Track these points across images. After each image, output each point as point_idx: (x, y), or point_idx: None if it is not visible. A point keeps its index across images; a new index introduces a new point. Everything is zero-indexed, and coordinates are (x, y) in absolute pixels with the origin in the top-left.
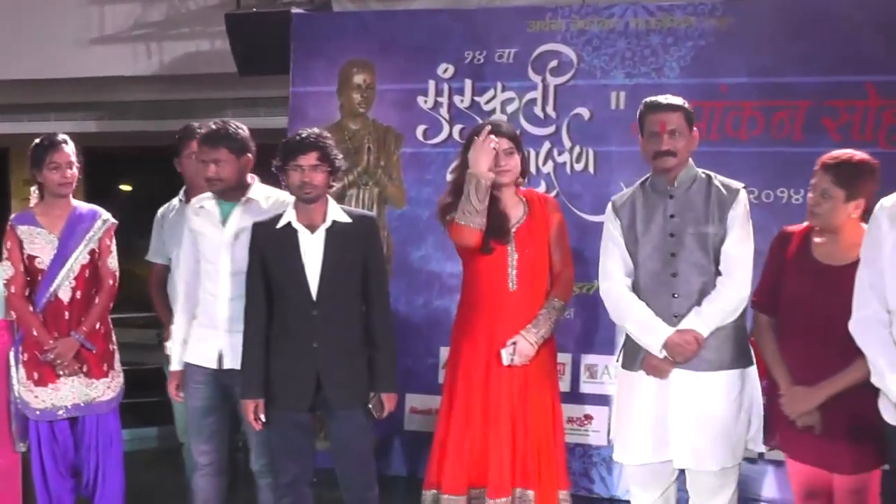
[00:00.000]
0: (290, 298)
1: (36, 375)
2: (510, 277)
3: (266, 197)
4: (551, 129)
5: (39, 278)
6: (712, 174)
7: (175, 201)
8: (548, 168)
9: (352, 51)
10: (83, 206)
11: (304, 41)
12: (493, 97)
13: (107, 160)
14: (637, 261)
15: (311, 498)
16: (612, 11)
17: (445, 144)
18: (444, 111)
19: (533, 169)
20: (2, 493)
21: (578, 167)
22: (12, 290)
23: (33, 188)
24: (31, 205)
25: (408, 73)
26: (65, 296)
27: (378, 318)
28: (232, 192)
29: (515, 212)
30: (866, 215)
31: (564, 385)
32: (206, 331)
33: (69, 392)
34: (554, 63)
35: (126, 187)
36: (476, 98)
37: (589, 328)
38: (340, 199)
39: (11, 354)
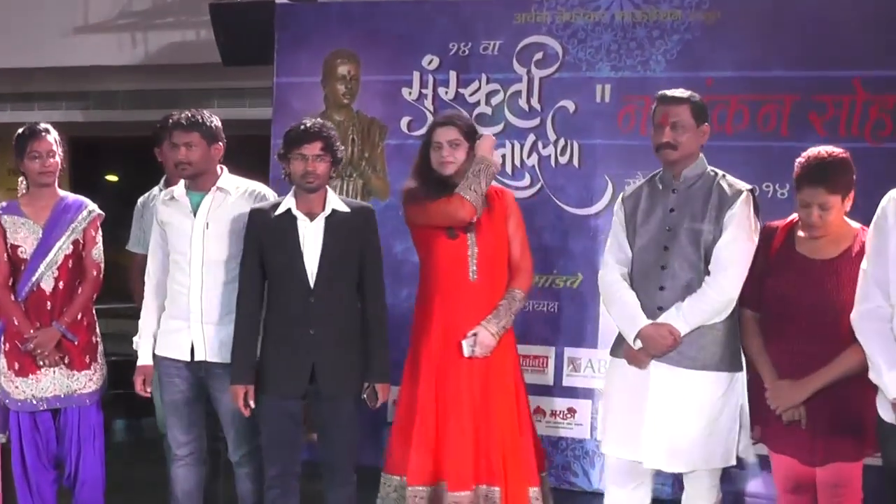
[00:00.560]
0: (288, 285)
1: (17, 366)
2: (470, 268)
3: (236, 187)
4: (536, 121)
5: (22, 268)
6: (721, 173)
7: (155, 190)
8: (532, 161)
9: (336, 41)
10: (70, 197)
11: (288, 31)
12: (478, 89)
13: (92, 150)
14: (634, 251)
15: (298, 490)
16: (598, 4)
17: None
18: (428, 103)
19: (517, 162)
20: None
21: (563, 160)
22: None
23: (21, 178)
24: (19, 195)
25: (392, 65)
26: (47, 286)
27: (373, 308)
28: (202, 182)
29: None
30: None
31: (547, 378)
32: (176, 322)
33: (50, 383)
34: (539, 55)
35: (112, 177)
36: (461, 90)
37: (573, 321)
38: None
39: None
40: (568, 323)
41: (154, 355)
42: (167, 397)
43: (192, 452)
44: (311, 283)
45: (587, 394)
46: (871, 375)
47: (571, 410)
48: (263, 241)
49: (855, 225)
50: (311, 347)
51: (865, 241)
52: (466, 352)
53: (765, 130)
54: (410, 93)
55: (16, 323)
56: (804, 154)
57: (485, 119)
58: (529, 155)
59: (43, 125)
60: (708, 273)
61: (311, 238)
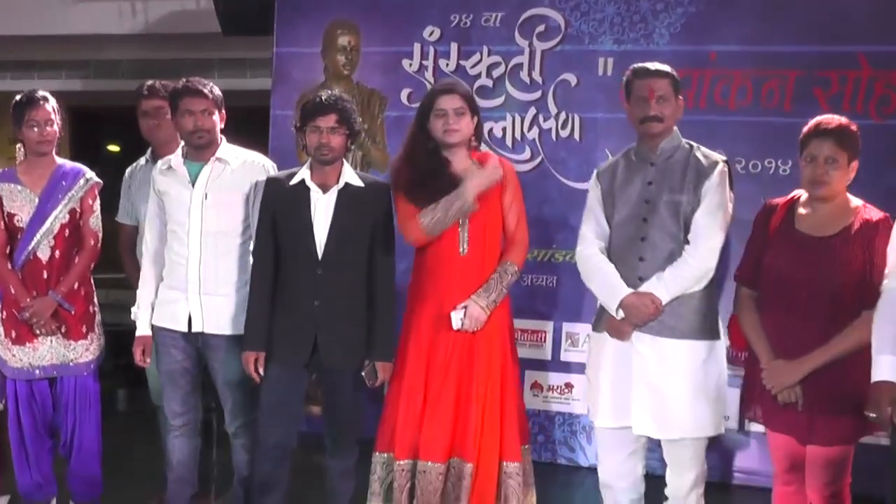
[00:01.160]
0: (296, 256)
1: (14, 334)
2: (461, 241)
3: (235, 157)
4: (537, 94)
5: (18, 237)
6: (695, 145)
7: (142, 160)
8: (533, 134)
9: (336, 12)
10: (67, 165)
11: (288, 1)
12: (479, 61)
13: (94, 120)
14: (612, 224)
15: (289, 463)
16: None
17: None
18: (428, 75)
19: (518, 135)
20: None
21: (564, 134)
22: None
23: (18, 146)
24: (17, 163)
25: (393, 36)
26: (43, 255)
27: (381, 285)
28: (202, 152)
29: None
30: None
31: (545, 353)
32: (174, 293)
33: (47, 352)
34: (541, 28)
35: (114, 147)
36: (462, 62)
37: (571, 296)
38: None
39: None
40: (566, 298)
41: (152, 325)
42: (164, 368)
43: (187, 423)
44: (320, 255)
45: (585, 369)
46: (873, 350)
47: (569, 385)
48: (276, 210)
49: (857, 202)
50: (315, 319)
51: (870, 219)
52: (455, 324)
53: (768, 105)
54: (411, 64)
55: (12, 291)
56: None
57: (486, 92)
58: (530, 128)
59: (41, 93)
60: (688, 242)
61: (322, 210)
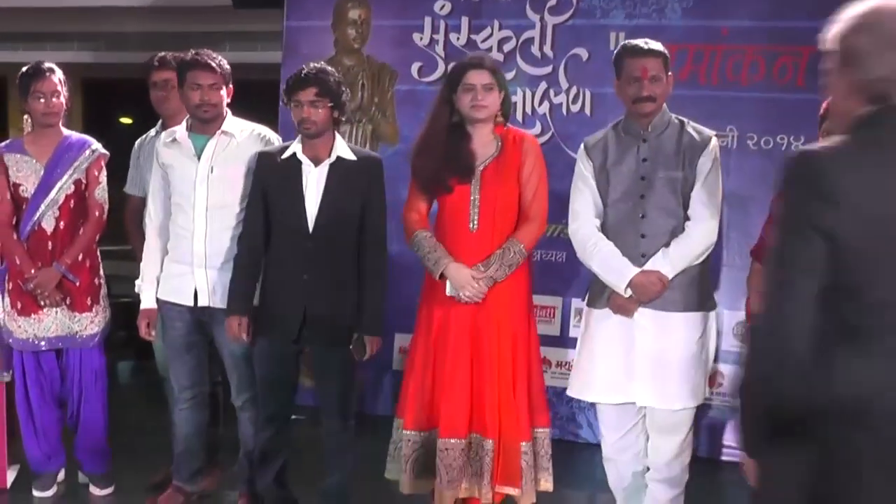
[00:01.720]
0: (287, 229)
1: (20, 305)
2: (471, 217)
3: (241, 130)
4: (548, 69)
5: (24, 207)
6: (685, 120)
7: (152, 132)
8: (543, 109)
9: None
10: (74, 136)
11: None
12: (490, 35)
13: (106, 92)
14: (607, 201)
15: (290, 433)
16: None
17: (440, 82)
18: (439, 49)
19: (528, 109)
20: None
21: (575, 108)
22: None
23: (26, 117)
24: (24, 133)
25: (404, 10)
26: (48, 226)
27: (371, 260)
28: (208, 125)
29: (486, 150)
30: None
31: (555, 329)
32: (180, 267)
33: (52, 323)
34: (553, 2)
35: (126, 120)
36: (472, 36)
37: (582, 272)
38: None
39: None
40: (576, 273)
41: (157, 299)
42: (170, 342)
43: (194, 396)
44: (310, 229)
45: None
46: None
47: None
48: (268, 184)
49: None
50: (304, 293)
51: None
52: (448, 291)
53: (781, 82)
54: (422, 38)
55: (18, 262)
56: None
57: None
58: (541, 103)
59: (47, 64)
60: (687, 218)
61: (313, 183)
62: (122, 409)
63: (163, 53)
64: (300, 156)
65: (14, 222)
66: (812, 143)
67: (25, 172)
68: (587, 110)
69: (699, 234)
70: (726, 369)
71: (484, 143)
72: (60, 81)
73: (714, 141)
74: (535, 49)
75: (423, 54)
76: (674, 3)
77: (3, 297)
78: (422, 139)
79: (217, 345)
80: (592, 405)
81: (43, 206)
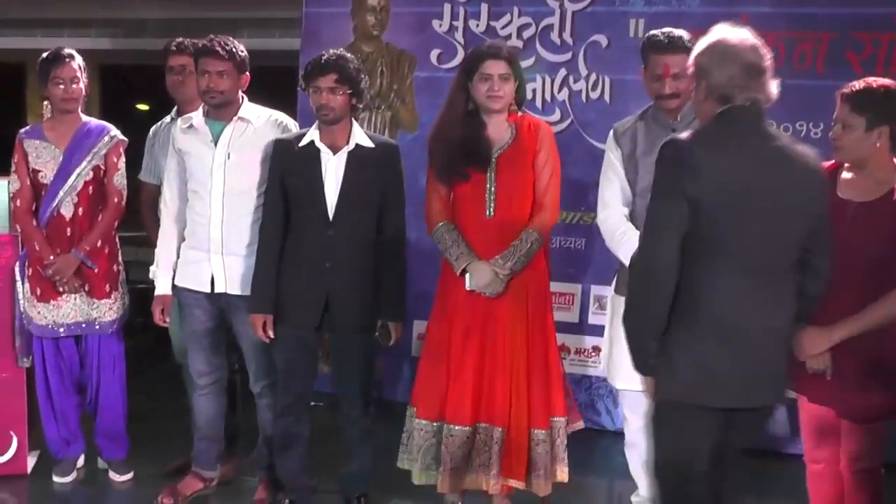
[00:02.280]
0: (307, 217)
1: (39, 291)
2: (487, 204)
3: (257, 116)
4: (567, 56)
5: (43, 193)
6: None
7: (167, 119)
8: (563, 96)
9: None
10: (92, 122)
11: None
12: (510, 22)
13: (124, 79)
14: (635, 190)
15: (309, 420)
16: None
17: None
18: (458, 35)
19: (548, 96)
20: (6, 407)
21: (594, 95)
22: (18, 203)
23: (45, 103)
24: (44, 119)
25: None
26: (67, 212)
27: (391, 245)
28: (224, 111)
29: (501, 137)
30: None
31: (573, 316)
32: (196, 253)
33: (70, 309)
34: None
35: (144, 106)
36: (492, 23)
37: (599, 259)
38: None
39: (17, 269)
40: (595, 260)
41: (174, 285)
42: (188, 328)
43: (213, 382)
44: (331, 216)
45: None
46: None
47: (596, 349)
48: (286, 172)
49: None
50: (326, 280)
51: None
52: (468, 285)
53: (800, 68)
54: (441, 25)
55: (37, 248)
56: None
57: None
58: (560, 90)
59: (67, 50)
60: None
61: (332, 171)
62: (140, 395)
63: (180, 39)
64: (318, 143)
65: (33, 208)
66: (680, 133)
67: (45, 158)
68: (606, 97)
69: None
70: None
71: (499, 131)
72: (80, 67)
73: None
74: (554, 36)
75: (443, 41)
76: None
77: (22, 284)
78: (438, 127)
79: (235, 332)
80: (611, 392)
81: (62, 193)
